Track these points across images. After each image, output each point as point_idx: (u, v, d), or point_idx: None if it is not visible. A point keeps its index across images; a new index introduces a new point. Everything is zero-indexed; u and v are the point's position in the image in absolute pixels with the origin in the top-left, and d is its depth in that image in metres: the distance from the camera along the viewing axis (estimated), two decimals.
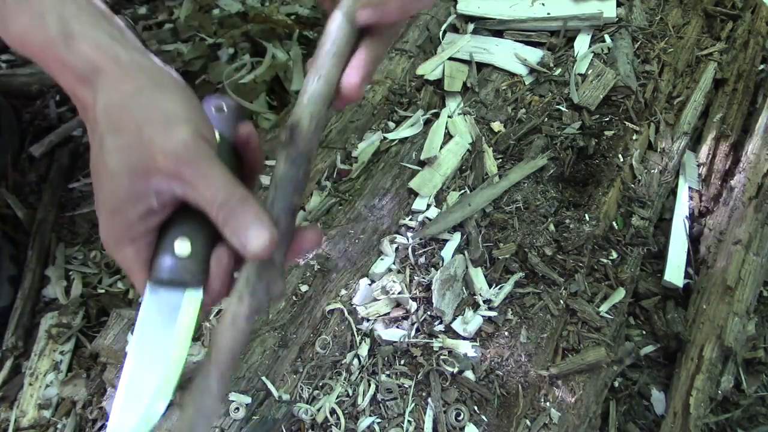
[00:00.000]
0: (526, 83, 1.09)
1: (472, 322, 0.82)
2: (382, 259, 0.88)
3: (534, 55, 1.11)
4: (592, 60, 1.09)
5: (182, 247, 0.53)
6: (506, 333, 0.83)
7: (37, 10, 0.53)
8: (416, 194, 0.95)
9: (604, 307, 0.89)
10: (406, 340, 0.80)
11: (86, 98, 0.53)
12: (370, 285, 0.85)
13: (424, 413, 0.77)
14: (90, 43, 0.53)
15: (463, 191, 0.95)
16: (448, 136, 1.02)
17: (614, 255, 0.95)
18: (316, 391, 0.78)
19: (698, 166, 1.14)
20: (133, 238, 0.53)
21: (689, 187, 1.12)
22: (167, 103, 0.53)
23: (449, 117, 1.04)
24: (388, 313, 0.83)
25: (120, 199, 0.51)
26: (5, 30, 0.54)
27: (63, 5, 0.54)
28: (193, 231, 0.54)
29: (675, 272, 1.01)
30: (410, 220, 0.92)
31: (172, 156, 0.51)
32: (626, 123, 1.04)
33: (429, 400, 0.78)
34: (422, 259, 0.88)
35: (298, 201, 0.59)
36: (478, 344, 0.81)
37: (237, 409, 0.76)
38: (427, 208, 0.93)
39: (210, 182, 0.52)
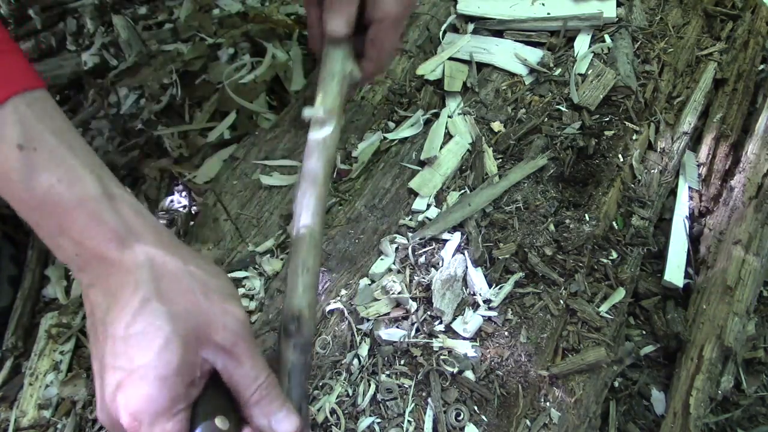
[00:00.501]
0: (526, 83, 1.09)
1: (472, 322, 0.82)
2: (382, 259, 0.88)
3: (534, 55, 1.11)
4: (592, 60, 1.09)
5: (223, 423, 0.52)
6: (506, 333, 0.83)
7: (72, 167, 0.53)
8: (416, 194, 0.95)
9: (604, 307, 0.89)
10: (406, 340, 0.80)
11: (120, 260, 0.52)
12: (370, 285, 0.85)
13: (424, 413, 0.77)
14: (130, 206, 0.55)
15: (463, 191, 0.95)
16: (448, 136, 1.02)
17: (614, 255, 0.95)
18: (316, 391, 0.78)
19: (698, 166, 1.14)
20: (176, 411, 0.51)
21: (689, 187, 1.12)
22: (215, 278, 0.55)
23: (449, 117, 1.04)
24: (388, 313, 0.83)
25: (173, 368, 0.50)
26: (29, 181, 0.52)
27: (99, 167, 0.55)
28: (224, 407, 0.54)
29: (675, 272, 1.01)
30: (410, 220, 0.92)
31: (231, 330, 0.53)
32: (626, 123, 1.04)
33: (429, 400, 0.78)
34: (422, 259, 0.88)
35: (307, 385, 0.63)
36: (478, 344, 0.81)
37: None
38: (427, 208, 0.93)
39: (255, 361, 0.54)
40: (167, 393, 0.51)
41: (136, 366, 0.50)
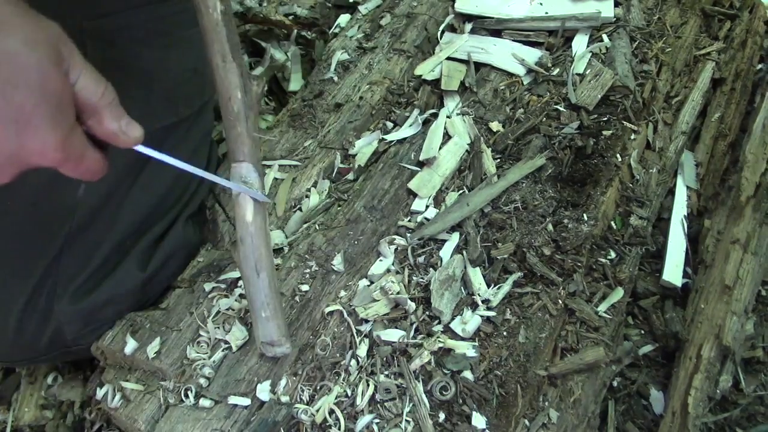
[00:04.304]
0: (524, 83, 1.09)
1: (470, 322, 0.82)
2: (380, 260, 0.88)
3: (532, 54, 1.11)
4: (590, 60, 1.09)
5: None
6: (505, 333, 0.83)
7: None
8: (415, 195, 0.95)
9: (602, 307, 0.89)
10: (405, 340, 0.80)
11: None
12: (368, 286, 0.85)
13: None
14: None
15: (461, 191, 0.95)
16: (446, 137, 1.02)
17: (612, 255, 0.95)
18: (316, 393, 0.78)
19: (696, 165, 1.14)
20: (75, 127, 0.57)
21: (687, 187, 1.12)
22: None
23: (448, 117, 1.04)
24: (387, 313, 0.83)
25: (58, 100, 0.55)
26: None
27: None
28: None
29: (673, 272, 1.01)
30: (409, 221, 0.92)
31: (70, 46, 0.57)
32: (624, 123, 1.04)
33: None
34: (421, 260, 0.88)
35: None
36: (476, 344, 0.81)
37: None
38: (426, 209, 0.93)
39: (94, 71, 0.58)
40: (65, 122, 0.55)
41: (27, 113, 0.51)
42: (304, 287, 0.85)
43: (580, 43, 1.12)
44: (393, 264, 0.87)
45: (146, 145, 0.64)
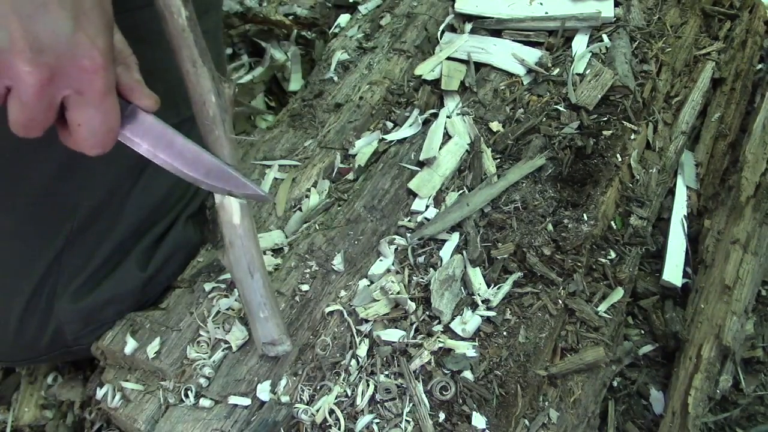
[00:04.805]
0: (524, 83, 1.09)
1: (470, 322, 0.82)
2: (381, 260, 0.88)
3: (532, 54, 1.11)
4: (590, 60, 1.09)
5: None
6: (505, 333, 0.83)
7: None
8: (415, 195, 0.95)
9: (602, 307, 0.89)
10: (405, 340, 0.81)
11: None
12: (368, 286, 0.85)
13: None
14: None
15: (461, 191, 0.95)
16: (446, 137, 1.02)
17: (613, 255, 0.95)
18: (316, 393, 0.78)
19: (696, 165, 1.14)
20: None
21: (687, 187, 1.12)
22: None
23: (448, 117, 1.04)
24: (387, 313, 0.83)
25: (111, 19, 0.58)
26: None
27: None
28: None
29: (673, 272, 1.01)
30: (409, 221, 0.92)
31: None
32: (624, 123, 1.04)
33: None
34: (421, 260, 0.88)
35: None
36: (476, 344, 0.81)
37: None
38: (426, 209, 0.93)
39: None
40: (111, 35, 0.58)
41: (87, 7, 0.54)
42: (304, 287, 0.85)
43: (580, 43, 1.12)
44: (393, 264, 0.87)
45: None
